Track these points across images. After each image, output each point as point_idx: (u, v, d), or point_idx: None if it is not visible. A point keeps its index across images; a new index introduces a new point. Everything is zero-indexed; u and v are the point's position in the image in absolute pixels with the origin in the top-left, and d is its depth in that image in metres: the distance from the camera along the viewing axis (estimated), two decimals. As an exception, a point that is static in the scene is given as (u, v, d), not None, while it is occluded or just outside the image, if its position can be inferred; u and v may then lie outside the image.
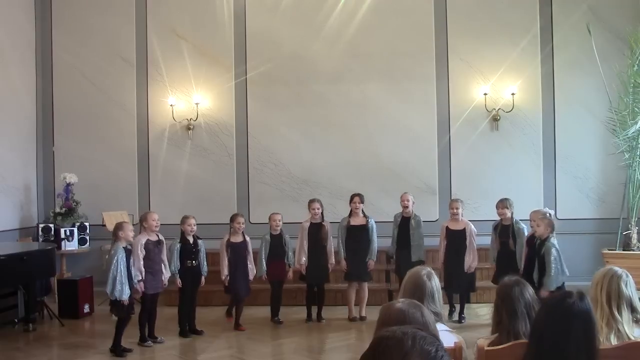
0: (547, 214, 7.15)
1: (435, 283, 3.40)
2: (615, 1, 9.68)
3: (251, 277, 7.78)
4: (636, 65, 8.64)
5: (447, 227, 7.99)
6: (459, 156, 9.92)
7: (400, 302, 2.63)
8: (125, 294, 6.65)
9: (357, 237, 8.06)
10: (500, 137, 9.87)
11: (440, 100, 9.96)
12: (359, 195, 8.18)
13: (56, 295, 8.72)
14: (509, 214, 7.64)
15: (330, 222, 8.41)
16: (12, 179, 9.60)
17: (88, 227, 9.76)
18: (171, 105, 10.14)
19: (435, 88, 9.97)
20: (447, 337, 3.12)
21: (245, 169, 10.20)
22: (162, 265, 7.28)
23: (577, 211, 9.70)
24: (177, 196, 10.15)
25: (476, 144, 9.88)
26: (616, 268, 3.43)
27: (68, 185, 9.70)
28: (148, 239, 7.15)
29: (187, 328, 7.50)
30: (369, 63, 10.02)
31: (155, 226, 7.22)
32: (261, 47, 10.14)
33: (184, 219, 7.56)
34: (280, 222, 7.98)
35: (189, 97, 10.18)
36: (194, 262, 7.46)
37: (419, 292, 3.30)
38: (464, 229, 7.88)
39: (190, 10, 10.26)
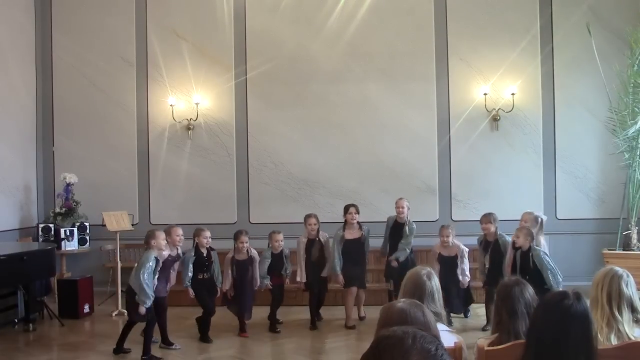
0: (539, 218, 7.10)
1: (435, 283, 3.41)
2: (615, 1, 9.68)
3: (255, 287, 7.65)
4: (636, 65, 8.64)
5: (439, 254, 7.79)
6: (459, 156, 9.91)
7: (401, 302, 2.64)
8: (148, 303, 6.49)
9: (353, 249, 7.90)
10: (500, 137, 9.87)
11: (440, 100, 9.95)
12: (354, 205, 7.99)
13: (56, 295, 8.72)
14: (492, 229, 7.47)
15: (329, 223, 8.41)
16: (12, 179, 9.60)
17: (88, 227, 9.78)
18: (171, 105, 10.14)
19: (435, 88, 9.96)
20: (447, 337, 3.13)
21: (245, 169, 10.20)
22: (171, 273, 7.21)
23: (577, 211, 9.70)
24: (177, 196, 10.16)
25: (476, 144, 9.88)
26: (617, 268, 3.43)
27: (68, 185, 9.71)
28: (170, 255, 7.00)
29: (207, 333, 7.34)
30: (369, 63, 10.01)
31: (179, 241, 7.11)
32: (261, 47, 10.14)
33: (199, 231, 7.39)
34: (282, 242, 7.75)
35: (189, 97, 10.18)
36: (205, 274, 7.33)
37: (419, 291, 3.32)
38: (456, 255, 7.73)
39: (190, 10, 10.25)
